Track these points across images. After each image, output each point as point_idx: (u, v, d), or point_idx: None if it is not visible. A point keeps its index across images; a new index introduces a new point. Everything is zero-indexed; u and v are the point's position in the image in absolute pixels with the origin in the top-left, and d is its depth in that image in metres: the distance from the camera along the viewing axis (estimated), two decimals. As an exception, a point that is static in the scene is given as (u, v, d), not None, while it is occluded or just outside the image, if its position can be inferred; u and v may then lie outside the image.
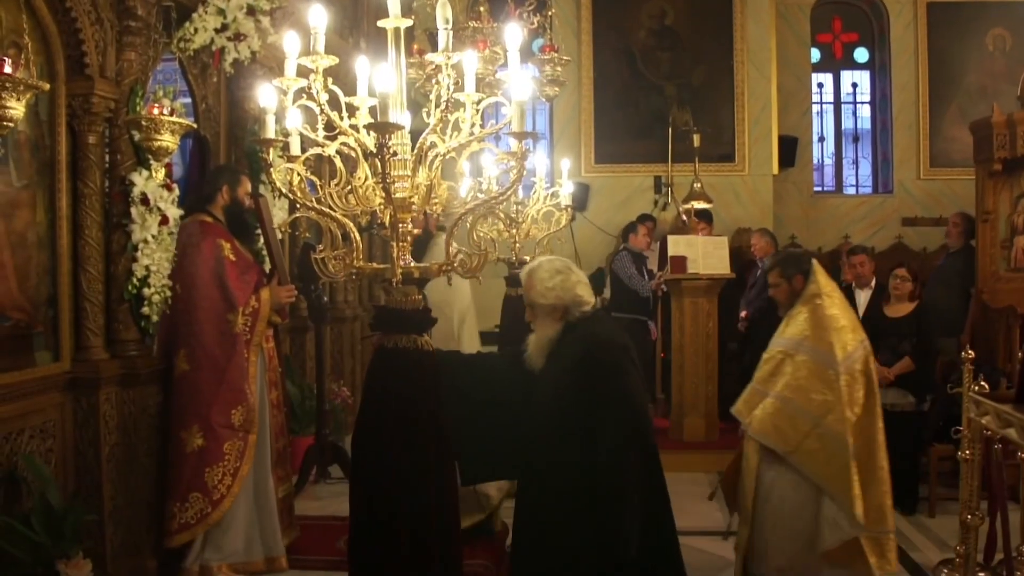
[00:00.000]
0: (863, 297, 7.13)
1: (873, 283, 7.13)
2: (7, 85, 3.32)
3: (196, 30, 4.71)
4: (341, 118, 2.90)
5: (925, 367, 6.34)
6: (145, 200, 4.34)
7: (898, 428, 6.33)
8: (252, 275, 4.71)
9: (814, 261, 4.27)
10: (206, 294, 4.52)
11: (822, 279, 4.15)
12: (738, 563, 4.17)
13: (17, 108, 3.40)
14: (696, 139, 9.00)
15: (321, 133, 3.00)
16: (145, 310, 4.38)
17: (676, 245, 7.65)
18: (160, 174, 4.44)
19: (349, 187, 3.09)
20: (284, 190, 2.98)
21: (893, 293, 6.52)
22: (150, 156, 4.37)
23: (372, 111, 2.96)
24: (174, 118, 4.30)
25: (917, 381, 6.28)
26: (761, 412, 4.04)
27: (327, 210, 2.98)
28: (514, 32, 2.90)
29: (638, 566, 3.17)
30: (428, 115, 2.92)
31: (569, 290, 3.31)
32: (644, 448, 3.26)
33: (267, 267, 4.92)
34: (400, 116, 2.93)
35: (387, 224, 3.10)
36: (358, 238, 3.04)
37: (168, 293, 4.46)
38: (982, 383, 4.51)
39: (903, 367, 6.29)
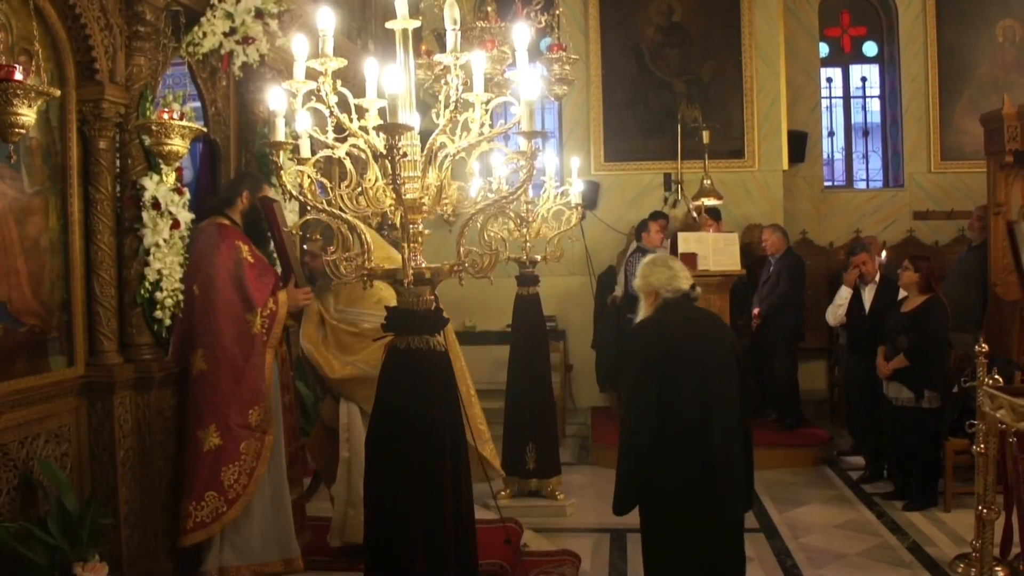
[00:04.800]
0: (868, 293, 7.12)
1: (877, 278, 7.13)
2: (19, 92, 3.34)
3: (205, 34, 4.72)
4: (351, 120, 2.91)
5: (924, 366, 6.28)
6: (156, 204, 4.35)
7: (904, 422, 6.34)
8: (269, 277, 4.72)
9: None
10: (225, 295, 4.55)
11: None
12: None
13: (29, 115, 3.42)
14: (706, 135, 8.96)
15: (331, 135, 3.01)
16: (158, 314, 4.39)
17: (686, 242, 7.64)
18: (171, 178, 4.45)
19: (359, 189, 3.10)
20: (295, 192, 2.98)
21: (899, 283, 6.53)
22: (161, 160, 4.38)
23: (381, 112, 2.96)
24: (184, 122, 4.31)
25: (914, 378, 6.25)
26: None
27: (338, 212, 2.98)
28: (522, 31, 2.89)
29: None
30: (437, 116, 2.92)
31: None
32: None
33: (277, 269, 4.94)
34: (409, 117, 2.92)
35: (398, 225, 3.10)
36: (369, 240, 3.05)
37: (180, 297, 4.47)
38: (996, 376, 4.50)
39: (897, 364, 6.28)
